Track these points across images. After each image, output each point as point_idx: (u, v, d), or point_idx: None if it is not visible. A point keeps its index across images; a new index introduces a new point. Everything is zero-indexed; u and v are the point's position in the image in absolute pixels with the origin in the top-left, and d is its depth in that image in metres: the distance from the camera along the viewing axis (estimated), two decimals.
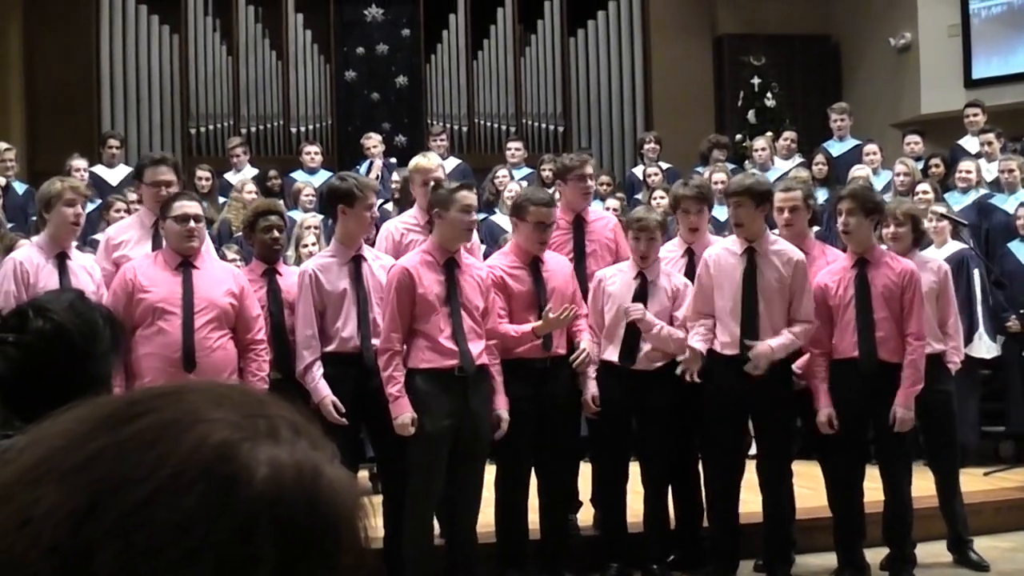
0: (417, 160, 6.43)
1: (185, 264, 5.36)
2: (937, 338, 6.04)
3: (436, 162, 6.47)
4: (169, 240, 5.40)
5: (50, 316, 2.18)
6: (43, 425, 0.83)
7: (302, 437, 0.83)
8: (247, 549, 0.76)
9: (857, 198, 5.85)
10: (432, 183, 5.92)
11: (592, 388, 5.81)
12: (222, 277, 5.46)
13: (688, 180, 6.65)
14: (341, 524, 0.81)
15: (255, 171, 11.08)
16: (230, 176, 11.11)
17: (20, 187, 10.33)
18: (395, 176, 9.27)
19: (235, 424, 0.80)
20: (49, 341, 2.14)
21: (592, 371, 5.84)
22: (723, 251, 5.85)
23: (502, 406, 5.54)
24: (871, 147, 10.49)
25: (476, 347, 5.43)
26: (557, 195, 6.49)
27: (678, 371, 5.68)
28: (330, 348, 5.53)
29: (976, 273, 8.00)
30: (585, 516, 6.32)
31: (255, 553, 0.77)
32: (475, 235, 6.30)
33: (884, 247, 6.00)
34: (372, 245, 6.00)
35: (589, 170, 6.33)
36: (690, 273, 5.99)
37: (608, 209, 9.86)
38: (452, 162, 11.54)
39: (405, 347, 5.41)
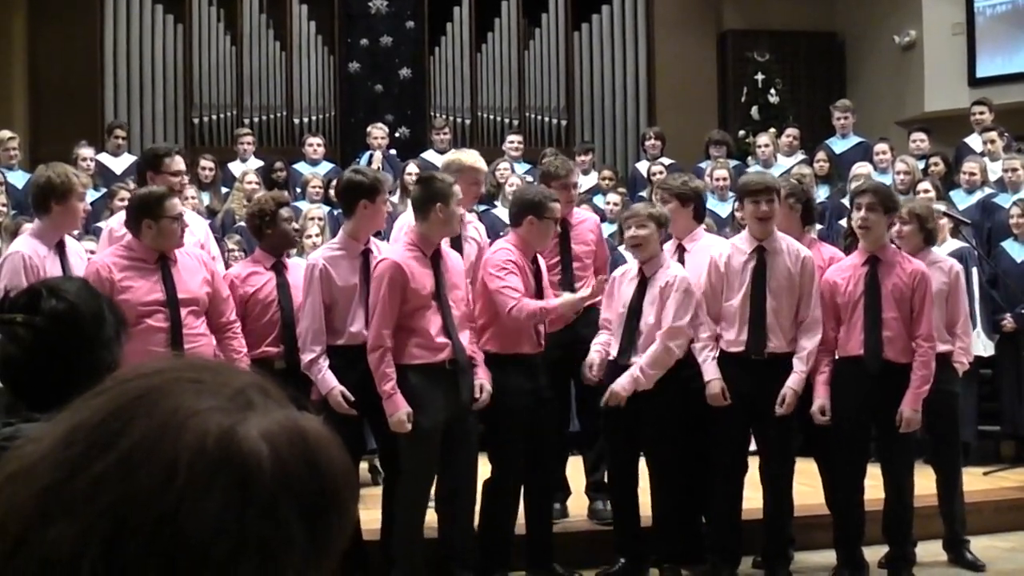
0: (461, 157, 6.22)
1: (162, 258, 5.26)
2: (944, 339, 6.00)
3: (483, 162, 6.29)
4: (160, 238, 5.22)
5: (63, 296, 2.17)
6: (20, 454, 0.79)
7: (271, 397, 0.83)
8: (279, 529, 0.76)
9: (878, 194, 5.78)
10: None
11: (596, 358, 5.78)
12: (196, 267, 5.40)
13: (674, 175, 6.70)
14: (338, 474, 0.82)
15: (260, 162, 11.04)
16: (234, 167, 11.05)
17: (20, 177, 10.20)
18: (414, 168, 9.19)
19: (222, 409, 0.79)
20: (61, 322, 2.14)
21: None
22: (732, 250, 5.84)
23: (484, 377, 5.51)
24: (882, 146, 10.38)
25: (465, 337, 5.44)
26: None
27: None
28: (339, 342, 5.47)
29: (975, 271, 7.99)
30: (579, 508, 6.32)
31: (287, 530, 0.77)
32: (483, 230, 6.29)
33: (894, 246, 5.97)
34: (379, 237, 5.94)
35: (575, 179, 6.41)
36: None
37: (609, 204, 9.87)
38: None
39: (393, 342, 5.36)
